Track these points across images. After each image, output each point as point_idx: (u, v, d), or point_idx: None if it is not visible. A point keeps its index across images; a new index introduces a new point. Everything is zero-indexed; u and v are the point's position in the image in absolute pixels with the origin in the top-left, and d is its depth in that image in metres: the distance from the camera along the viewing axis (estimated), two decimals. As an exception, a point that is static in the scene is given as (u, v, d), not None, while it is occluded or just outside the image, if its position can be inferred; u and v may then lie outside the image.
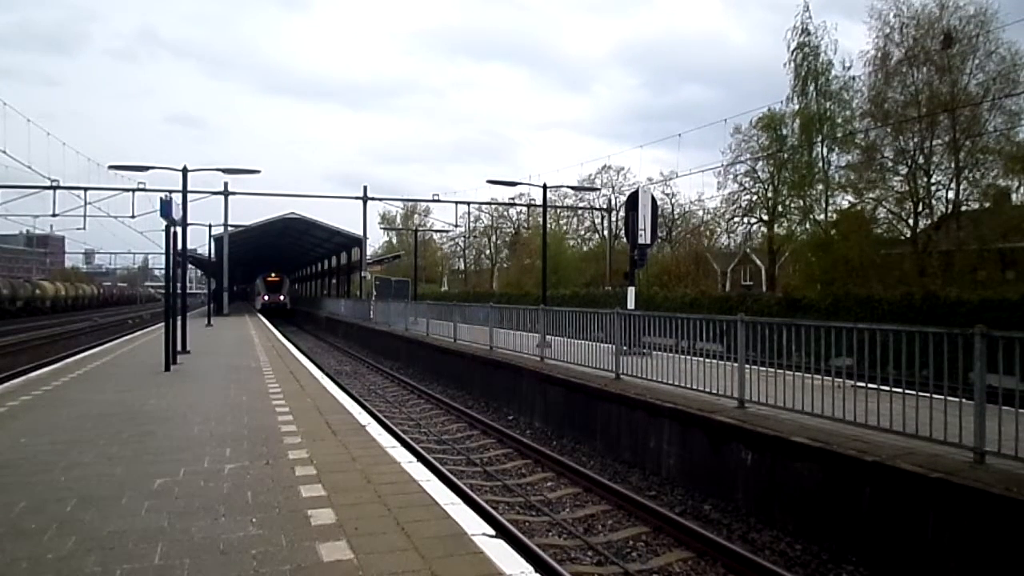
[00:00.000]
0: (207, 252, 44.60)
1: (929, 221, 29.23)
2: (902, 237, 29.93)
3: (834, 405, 7.13)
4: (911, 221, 29.57)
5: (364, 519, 4.87)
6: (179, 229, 17.17)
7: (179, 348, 15.91)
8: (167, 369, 13.67)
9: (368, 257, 46.92)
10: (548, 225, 30.15)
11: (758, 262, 45.38)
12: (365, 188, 42.01)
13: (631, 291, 15.08)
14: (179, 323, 16.69)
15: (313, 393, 11.01)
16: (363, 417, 8.99)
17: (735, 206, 40.39)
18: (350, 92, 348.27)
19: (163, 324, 15.29)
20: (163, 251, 15.17)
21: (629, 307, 14.36)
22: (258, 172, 27.12)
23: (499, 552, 4.33)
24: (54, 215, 36.63)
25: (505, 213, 65.00)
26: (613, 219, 46.00)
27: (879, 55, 28.84)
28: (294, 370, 14.35)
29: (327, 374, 14.86)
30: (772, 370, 8.20)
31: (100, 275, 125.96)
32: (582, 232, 61.52)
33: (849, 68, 30.91)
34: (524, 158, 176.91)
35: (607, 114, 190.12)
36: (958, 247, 26.39)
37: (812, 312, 23.36)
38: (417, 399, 16.71)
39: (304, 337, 38.15)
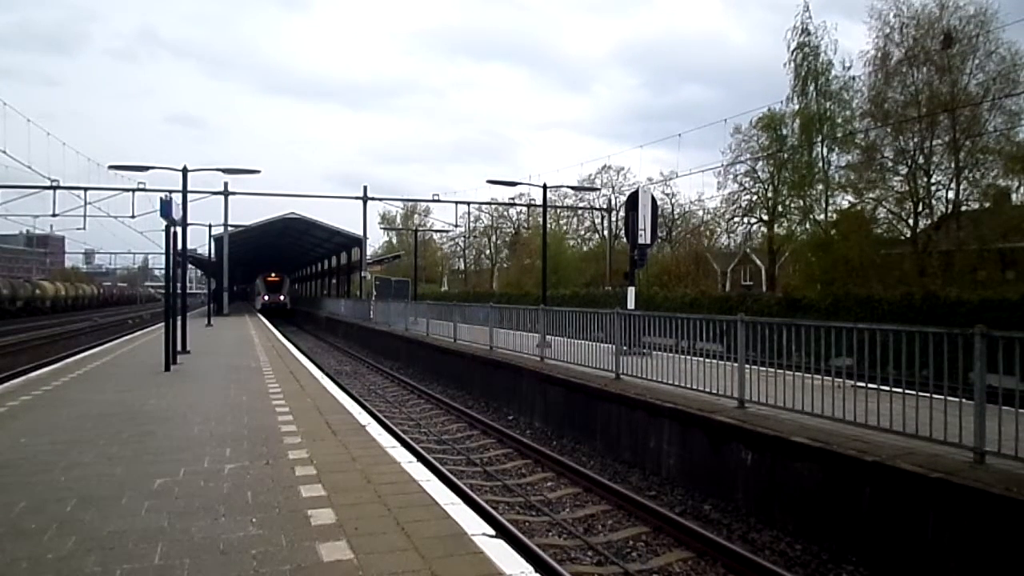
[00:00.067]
0: (207, 252, 44.61)
1: (929, 221, 29.23)
2: (902, 237, 29.93)
3: (834, 405, 7.13)
4: (911, 221, 29.58)
5: (364, 519, 4.87)
6: (179, 229, 17.17)
7: (179, 348, 15.91)
8: (167, 369, 13.67)
9: (368, 257, 46.93)
10: (548, 225, 30.15)
11: (758, 262, 45.39)
12: (365, 188, 42.07)
13: (631, 291, 15.08)
14: (179, 323, 16.69)
15: (313, 393, 11.01)
16: (363, 417, 8.99)
17: (735, 206, 40.44)
18: (350, 92, 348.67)
19: (163, 324, 15.29)
20: (163, 251, 15.17)
21: (629, 307, 14.36)
22: (258, 172, 27.16)
23: (499, 552, 4.33)
24: (54, 215, 36.68)
25: (505, 213, 65.05)
26: (613, 219, 46.02)
27: (879, 55, 28.88)
28: (294, 370, 14.35)
29: (327, 374, 14.86)
30: (772, 370, 8.20)
31: (100, 275, 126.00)
32: (582, 232, 61.58)
33: (849, 68, 30.96)
34: (524, 158, 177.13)
35: (607, 114, 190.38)
36: (958, 247, 26.39)
37: (812, 312, 23.36)
38: (417, 399, 16.71)
39: (304, 337, 38.16)
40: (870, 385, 6.98)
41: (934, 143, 28.08)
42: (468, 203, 50.79)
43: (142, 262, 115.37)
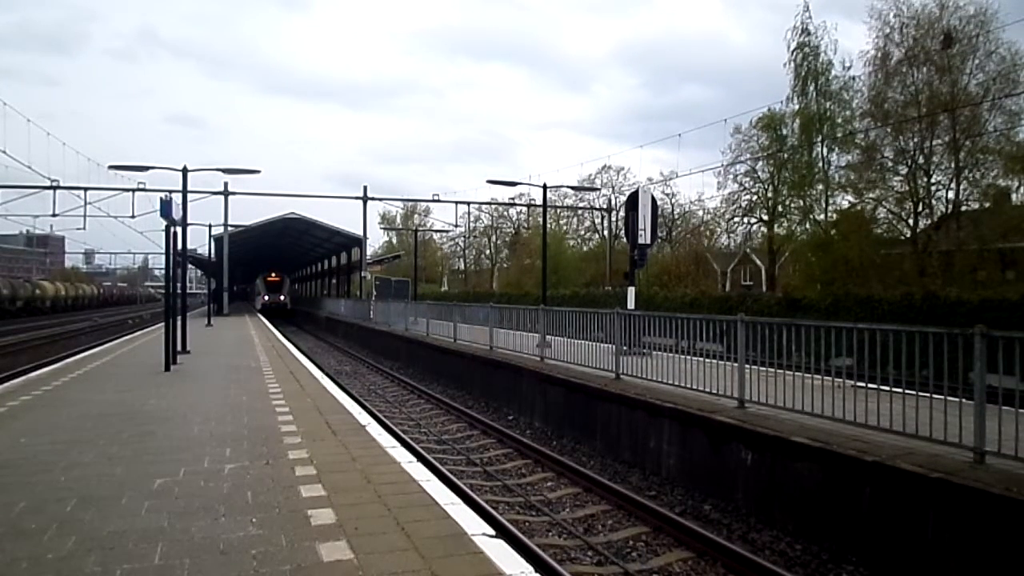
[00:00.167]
0: (207, 252, 44.60)
1: (929, 221, 29.23)
2: (902, 237, 29.93)
3: (834, 405, 7.13)
4: (911, 221, 29.57)
5: (364, 519, 4.87)
6: (179, 229, 17.17)
7: (179, 348, 15.91)
8: (167, 369, 13.67)
9: (368, 257, 46.91)
10: (548, 225, 30.15)
11: (758, 262, 45.38)
12: (365, 188, 42.05)
13: (631, 291, 15.08)
14: (179, 323, 16.69)
15: (313, 393, 11.01)
16: (363, 417, 8.99)
17: (735, 206, 40.45)
18: (350, 92, 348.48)
19: (163, 324, 15.29)
20: (163, 251, 15.17)
21: (629, 307, 14.36)
22: (258, 172, 27.20)
23: (499, 552, 4.33)
24: (54, 215, 36.65)
25: (505, 213, 65.07)
26: (613, 219, 46.01)
27: (879, 55, 28.88)
28: (294, 370, 14.35)
29: (327, 374, 14.86)
30: (772, 370, 8.20)
31: (100, 275, 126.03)
32: (582, 232, 61.60)
33: (849, 68, 30.98)
34: (524, 158, 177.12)
35: (607, 114, 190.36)
36: (958, 247, 26.39)
37: (812, 312, 23.36)
38: (417, 399, 16.71)
39: (304, 337, 38.16)
40: (870, 385, 6.98)
41: (934, 143, 28.09)
42: (468, 203, 50.86)
43: (142, 262, 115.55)
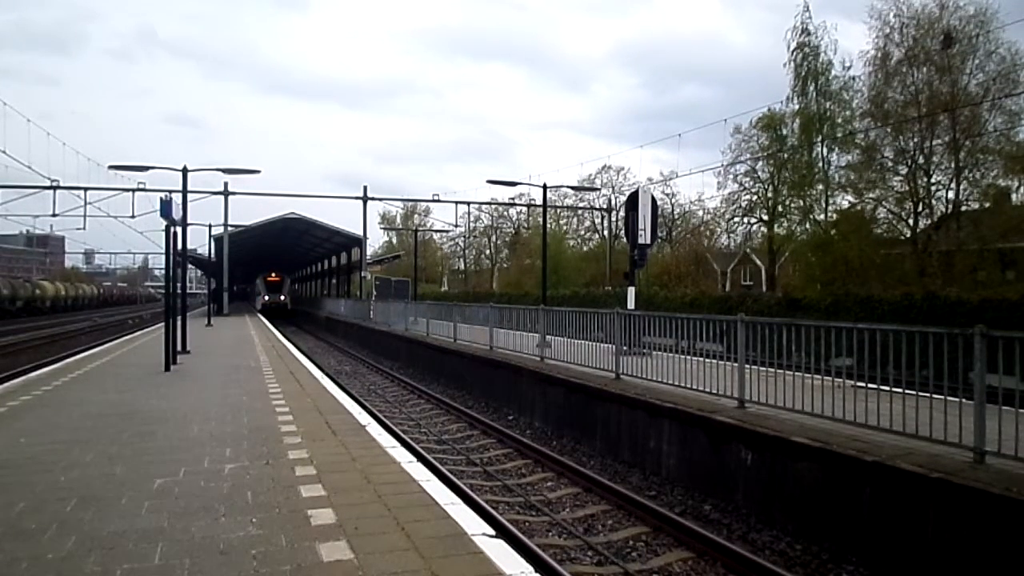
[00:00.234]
0: (207, 252, 44.60)
1: (929, 221, 29.25)
2: (902, 237, 29.95)
3: (834, 405, 7.12)
4: (911, 221, 29.59)
5: (364, 519, 4.87)
6: (179, 229, 17.17)
7: (179, 348, 15.91)
8: (167, 369, 13.67)
9: (368, 257, 46.91)
10: (548, 225, 30.16)
11: (758, 262, 45.40)
12: (365, 188, 42.02)
13: (631, 291, 15.08)
14: (179, 323, 16.69)
15: (313, 393, 11.01)
16: (363, 417, 8.99)
17: (735, 206, 40.48)
18: (349, 92, 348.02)
19: (163, 324, 15.29)
20: (163, 251, 15.18)
21: (629, 307, 14.35)
22: (258, 172, 27.20)
23: (499, 552, 4.33)
24: (54, 215, 36.60)
25: (505, 213, 65.11)
26: (613, 219, 46.01)
27: (879, 55, 28.92)
28: (294, 370, 14.35)
29: (327, 374, 14.86)
30: (772, 370, 8.20)
31: (100, 275, 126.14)
32: (582, 232, 61.65)
33: (849, 68, 31.04)
34: (523, 158, 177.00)
35: (606, 114, 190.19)
36: (958, 247, 26.41)
37: (812, 312, 23.35)
38: (417, 399, 16.72)
39: (304, 337, 38.16)
40: (870, 385, 6.98)
41: (934, 143, 28.12)
42: (468, 203, 50.82)
43: (142, 262, 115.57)
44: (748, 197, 39.16)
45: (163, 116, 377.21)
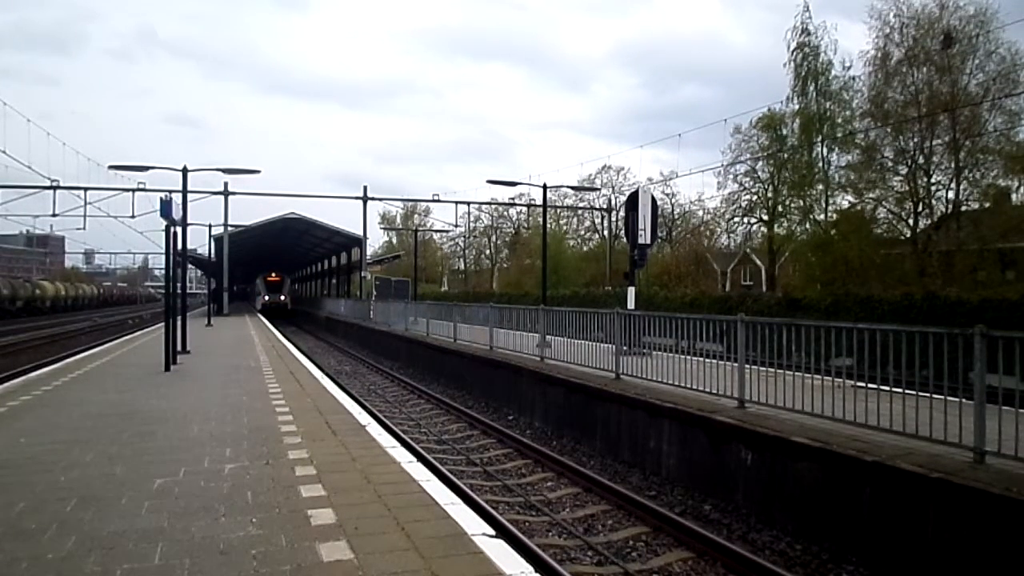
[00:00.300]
0: (207, 252, 44.60)
1: (929, 221, 29.26)
2: (902, 237, 29.96)
3: (834, 405, 7.12)
4: (911, 221, 29.60)
5: (364, 519, 4.87)
6: (179, 229, 17.17)
7: (179, 348, 15.91)
8: (167, 369, 13.67)
9: (368, 257, 46.91)
10: (548, 225, 30.17)
11: (758, 262, 45.40)
12: (365, 188, 42.02)
13: (631, 291, 15.08)
14: (179, 323, 16.69)
15: (313, 393, 11.01)
16: (363, 417, 8.99)
17: (735, 206, 40.49)
18: (349, 92, 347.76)
19: (163, 324, 15.29)
20: (163, 251, 15.18)
21: (629, 307, 14.35)
22: (258, 172, 27.20)
23: (499, 552, 4.33)
24: (54, 215, 36.59)
25: (505, 213, 65.11)
26: (613, 219, 46.01)
27: (879, 55, 28.94)
28: (294, 370, 14.35)
29: (327, 374, 14.86)
30: (772, 370, 8.20)
31: (100, 275, 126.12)
32: (582, 232, 61.68)
33: (849, 68, 31.06)
34: (523, 158, 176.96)
35: (606, 114, 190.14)
36: (958, 247, 26.41)
37: (812, 312, 23.36)
38: (417, 399, 16.72)
39: (304, 337, 38.15)
40: (870, 385, 6.98)
41: (934, 143, 28.13)
42: (468, 203, 50.81)
43: (142, 262, 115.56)
44: (748, 197, 39.22)
45: (163, 116, 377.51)
